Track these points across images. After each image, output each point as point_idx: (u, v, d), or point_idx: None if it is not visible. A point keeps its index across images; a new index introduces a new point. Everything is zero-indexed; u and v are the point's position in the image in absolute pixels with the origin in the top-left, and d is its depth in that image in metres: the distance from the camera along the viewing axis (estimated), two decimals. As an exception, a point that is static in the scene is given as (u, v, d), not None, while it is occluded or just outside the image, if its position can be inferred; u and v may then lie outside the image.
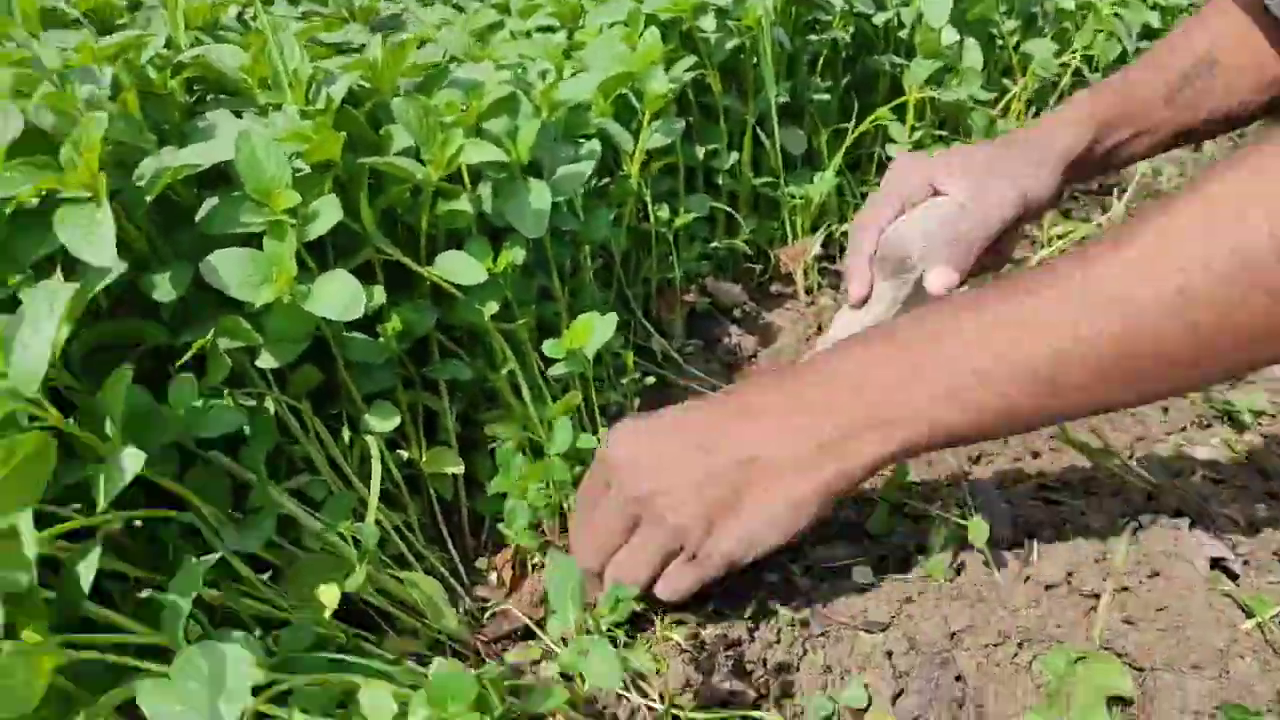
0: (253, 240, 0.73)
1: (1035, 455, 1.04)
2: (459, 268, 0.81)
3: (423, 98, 0.80)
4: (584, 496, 0.82)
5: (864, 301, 1.02)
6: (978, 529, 0.88)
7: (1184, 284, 0.58)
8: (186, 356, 0.68)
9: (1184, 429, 1.11)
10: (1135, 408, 0.92)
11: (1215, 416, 1.14)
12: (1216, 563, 0.89)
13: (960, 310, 0.69)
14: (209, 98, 0.88)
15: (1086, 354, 0.63)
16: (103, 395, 0.62)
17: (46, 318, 0.57)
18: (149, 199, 0.69)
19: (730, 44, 1.31)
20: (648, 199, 1.16)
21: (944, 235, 0.97)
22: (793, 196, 1.47)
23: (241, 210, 0.72)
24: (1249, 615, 0.83)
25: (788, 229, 1.51)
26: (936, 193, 0.99)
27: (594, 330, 0.80)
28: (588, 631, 0.71)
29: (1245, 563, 0.90)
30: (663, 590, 0.78)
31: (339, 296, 0.72)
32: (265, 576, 0.76)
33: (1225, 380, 0.71)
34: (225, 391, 0.73)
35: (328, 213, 0.73)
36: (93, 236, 0.61)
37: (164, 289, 0.69)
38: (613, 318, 0.78)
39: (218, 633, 0.63)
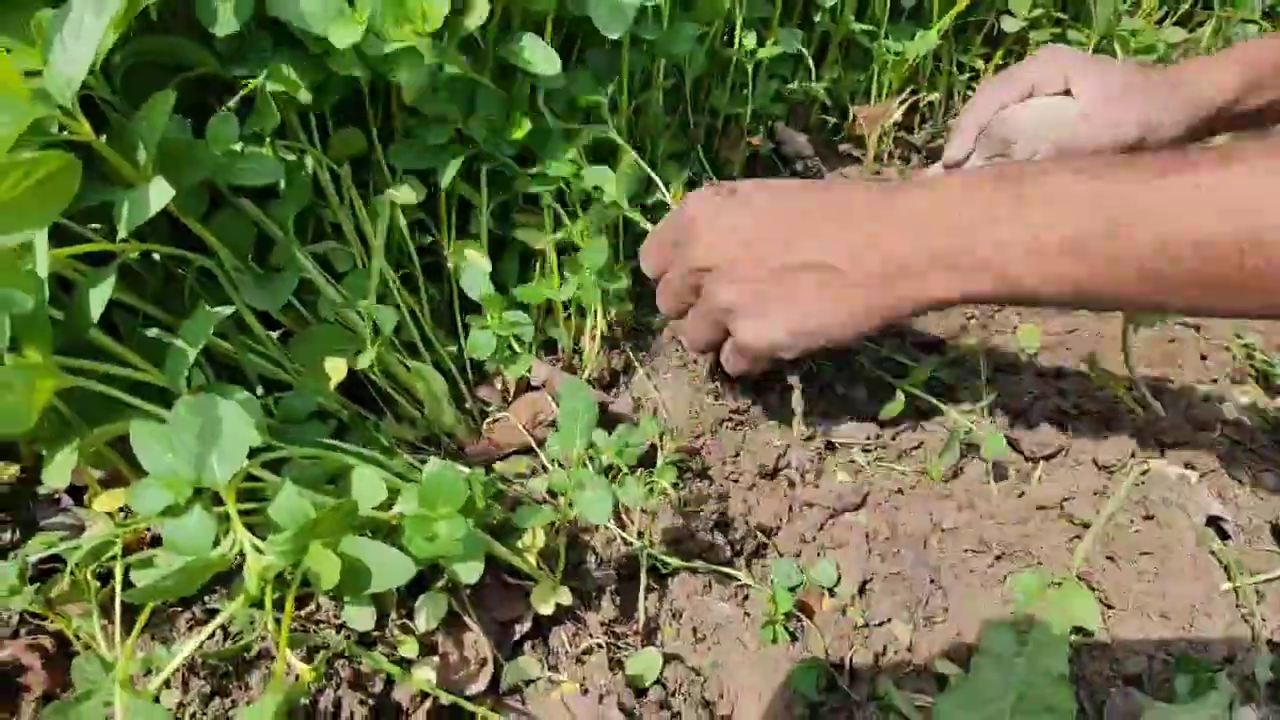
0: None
1: (1060, 376, 1.01)
2: (537, 56, 0.76)
3: None
4: (652, 245, 0.82)
5: (957, 165, 0.98)
6: (995, 443, 0.87)
7: None
8: (238, 97, 0.65)
9: (1216, 381, 1.08)
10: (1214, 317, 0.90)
11: (1252, 375, 1.11)
12: (1213, 520, 0.88)
13: (1075, 174, 0.64)
14: None
15: (1192, 255, 0.58)
16: (141, 118, 0.59)
17: (94, 17, 0.53)
18: None
19: None
20: (738, 21, 1.08)
21: (1053, 135, 0.93)
22: (888, 51, 1.38)
23: None
24: (1229, 578, 0.83)
25: (874, 86, 1.42)
26: (1067, 92, 0.94)
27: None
28: (590, 464, 0.72)
29: (1240, 527, 0.89)
30: (726, 367, 0.84)
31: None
32: (274, 336, 0.75)
33: None
34: (267, 140, 0.70)
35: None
36: None
37: (225, 20, 0.64)
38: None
39: (220, 386, 0.63)
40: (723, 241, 0.74)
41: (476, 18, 0.72)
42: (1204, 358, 1.11)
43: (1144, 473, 0.91)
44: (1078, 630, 0.77)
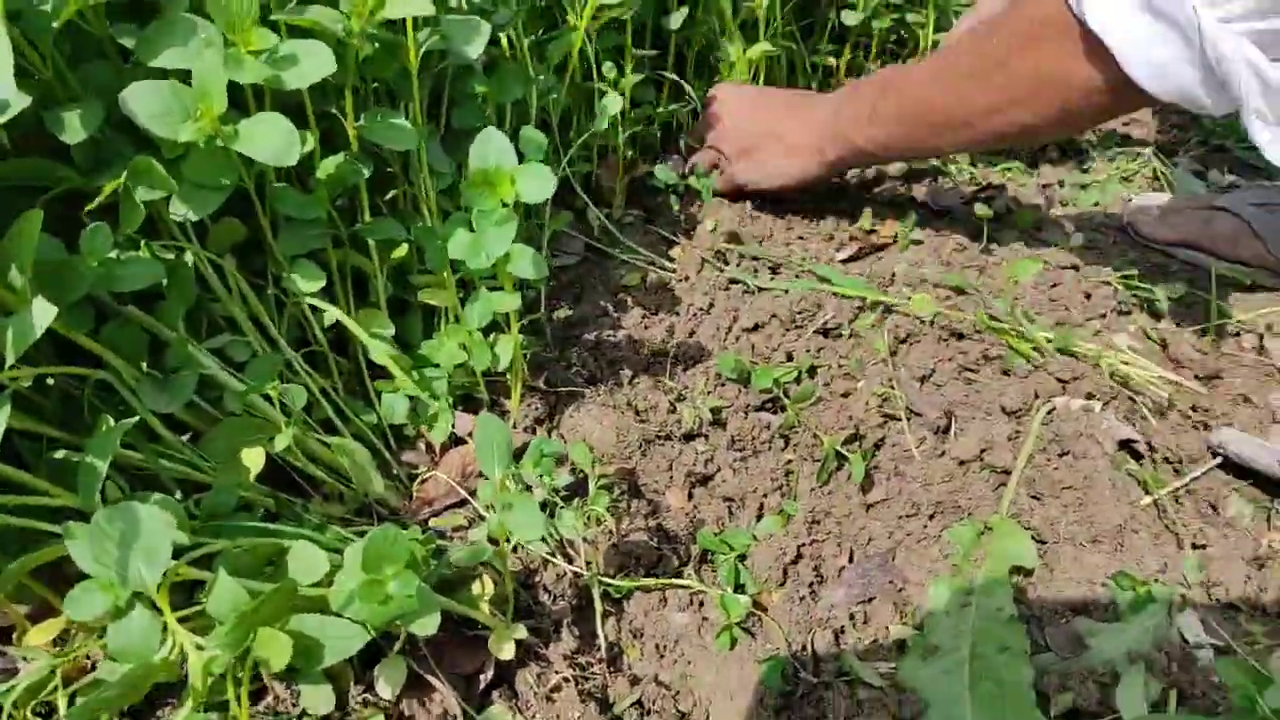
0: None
1: (959, 337, 1.06)
2: (391, 133, 0.77)
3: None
4: (702, 118, 1.36)
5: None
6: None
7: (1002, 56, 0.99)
8: (98, 201, 0.64)
9: (1104, 315, 1.14)
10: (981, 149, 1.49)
11: (1135, 304, 1.18)
12: (1124, 444, 0.93)
13: (880, 80, 1.17)
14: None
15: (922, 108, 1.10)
16: (9, 242, 0.58)
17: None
18: (55, 25, 0.63)
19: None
20: (591, 55, 1.11)
21: None
22: (727, 59, 1.42)
23: (179, 40, 0.66)
24: (1147, 492, 0.88)
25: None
26: None
27: (524, 180, 0.75)
28: (515, 487, 0.72)
29: (1150, 445, 0.94)
30: (725, 190, 1.34)
31: (272, 138, 0.66)
32: (184, 439, 0.74)
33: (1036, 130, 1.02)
34: (142, 242, 0.69)
35: (314, 58, 0.68)
36: None
37: (73, 128, 0.64)
38: (549, 172, 0.74)
39: (137, 495, 0.62)
40: (725, 116, 1.32)
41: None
42: (1088, 295, 1.17)
43: (1050, 412, 0.95)
44: (1018, 570, 0.80)
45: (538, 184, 0.72)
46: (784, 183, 1.28)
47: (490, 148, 0.72)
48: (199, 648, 0.51)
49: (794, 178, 1.27)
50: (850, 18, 1.56)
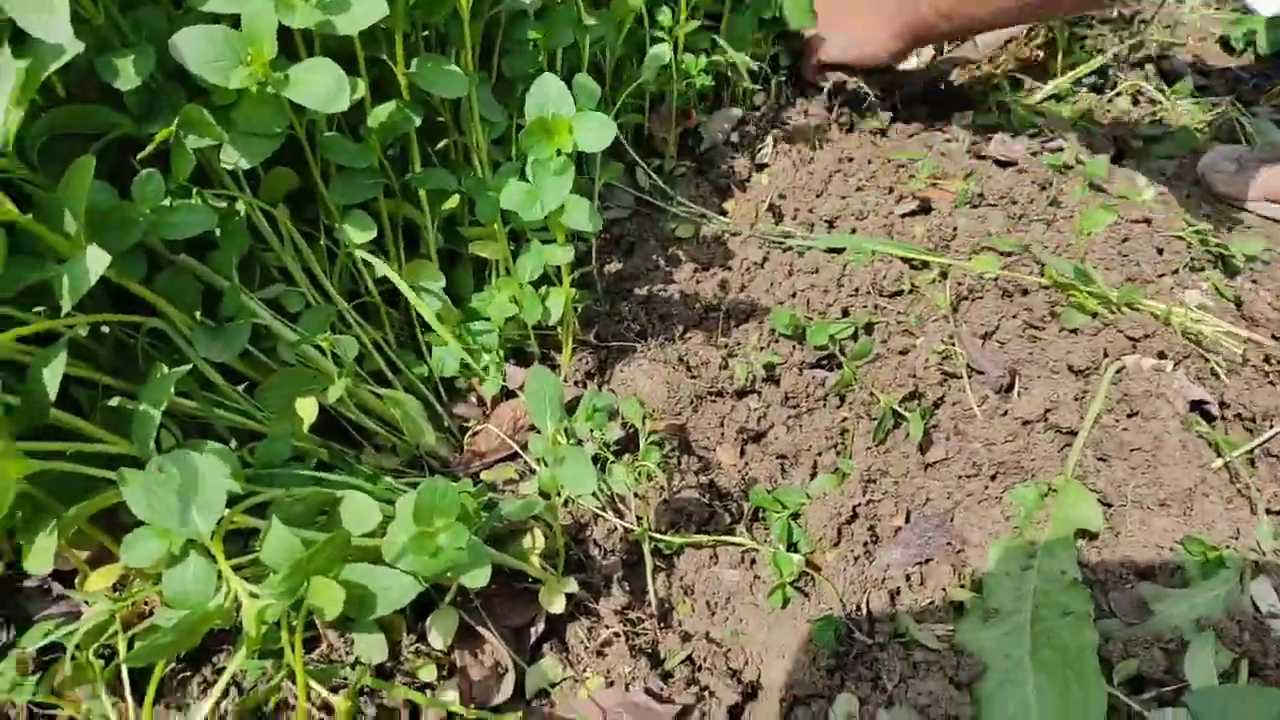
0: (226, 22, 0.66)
1: (1025, 293, 1.02)
2: (442, 80, 0.75)
3: None
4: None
5: None
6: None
7: None
8: (149, 149, 0.64)
9: (1176, 271, 1.09)
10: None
11: (1209, 260, 1.12)
12: (1195, 405, 0.89)
13: None
14: None
15: None
16: (63, 190, 0.58)
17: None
18: None
19: None
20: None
21: None
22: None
23: None
24: (1219, 454, 0.84)
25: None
26: None
27: (582, 129, 0.73)
28: (566, 440, 0.71)
29: (1223, 404, 0.90)
30: (813, 78, 1.42)
31: (322, 85, 0.65)
32: (239, 389, 0.75)
33: None
34: (194, 191, 0.69)
35: (366, 2, 0.66)
36: (44, 9, 0.55)
37: (126, 74, 0.63)
38: (608, 120, 0.72)
39: (191, 443, 0.62)
40: (823, 6, 1.35)
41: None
42: (1159, 251, 1.12)
43: (1119, 370, 0.92)
44: (1082, 533, 0.78)
45: (597, 133, 0.70)
46: (860, 55, 1.36)
47: (548, 94, 0.70)
48: (253, 595, 0.51)
49: (869, 50, 1.34)
50: None
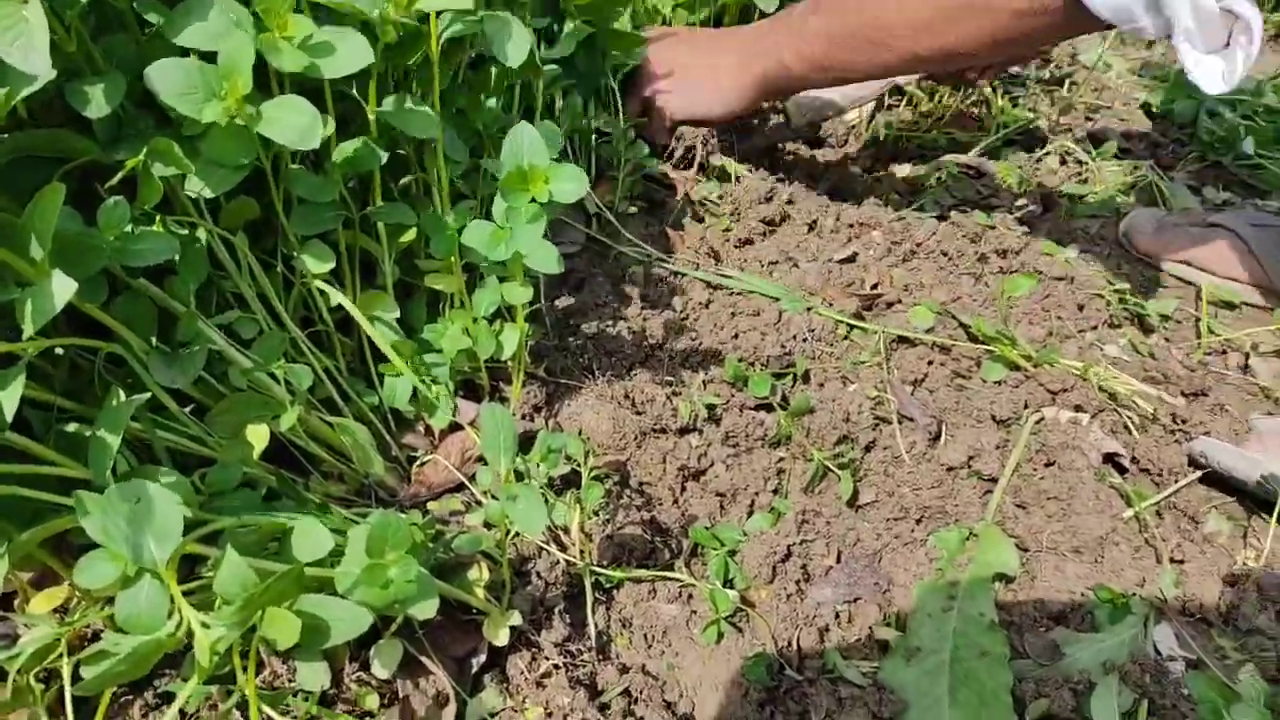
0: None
1: (946, 350, 1.07)
2: (412, 120, 0.77)
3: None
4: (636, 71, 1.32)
5: None
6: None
7: None
8: (119, 177, 0.64)
9: (1095, 327, 1.16)
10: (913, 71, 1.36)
11: (1126, 318, 1.19)
12: (1109, 457, 0.95)
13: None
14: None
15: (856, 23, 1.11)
16: (31, 215, 0.58)
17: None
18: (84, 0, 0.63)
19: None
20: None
21: None
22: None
23: (205, 18, 0.66)
24: (1129, 505, 0.90)
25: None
26: None
27: (558, 180, 0.75)
28: (519, 479, 0.74)
29: (1134, 459, 0.96)
30: (655, 136, 1.35)
31: (296, 122, 0.67)
32: (188, 412, 0.75)
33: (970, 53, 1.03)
34: (157, 218, 0.70)
35: (351, 47, 0.68)
36: (22, 37, 0.56)
37: (97, 102, 0.64)
38: (582, 174, 0.74)
39: (144, 469, 0.63)
40: (659, 58, 1.30)
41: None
42: (1080, 308, 1.18)
43: (1039, 421, 0.97)
44: (1000, 577, 0.82)
45: (572, 185, 0.73)
46: (715, 109, 1.30)
47: (523, 144, 0.73)
48: (205, 625, 0.52)
49: (726, 102, 1.28)
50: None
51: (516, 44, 0.77)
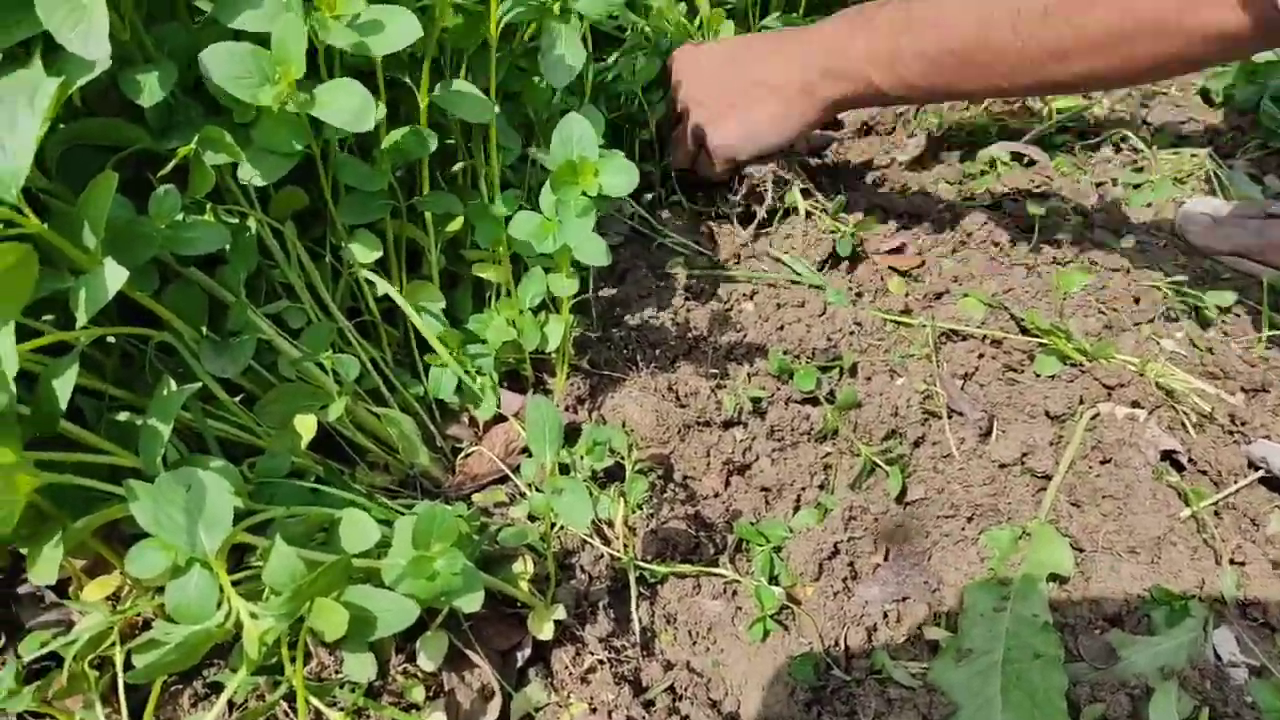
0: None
1: (997, 344, 1.05)
2: (466, 105, 0.77)
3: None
4: (668, 100, 1.18)
5: None
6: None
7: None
8: (171, 166, 0.65)
9: (1152, 320, 1.13)
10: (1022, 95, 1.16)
11: (1183, 311, 1.16)
12: (1166, 455, 0.92)
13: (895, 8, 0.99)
14: None
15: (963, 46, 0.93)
16: (84, 204, 0.59)
17: (27, 114, 0.53)
18: None
19: None
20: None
21: None
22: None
23: (256, 2, 0.65)
24: (1187, 505, 0.87)
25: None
26: None
27: (608, 173, 0.74)
28: (563, 472, 0.73)
29: (1191, 457, 0.93)
30: (701, 170, 1.17)
31: (349, 105, 0.67)
32: (237, 401, 0.76)
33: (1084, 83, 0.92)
34: (208, 207, 0.70)
35: (400, 24, 0.67)
36: (82, 24, 0.56)
37: (150, 90, 0.64)
38: (632, 166, 0.73)
39: (195, 458, 0.63)
40: (696, 77, 1.11)
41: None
42: (1137, 300, 1.15)
43: (1094, 417, 0.95)
44: (1054, 577, 0.80)
45: (622, 178, 0.72)
46: (775, 140, 1.10)
47: (574, 136, 0.72)
48: (253, 616, 0.53)
49: (788, 131, 1.09)
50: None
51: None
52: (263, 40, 0.65)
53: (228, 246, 0.70)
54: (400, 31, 0.66)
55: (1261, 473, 0.91)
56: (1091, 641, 0.76)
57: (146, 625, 0.67)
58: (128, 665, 0.59)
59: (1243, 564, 0.84)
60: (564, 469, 0.82)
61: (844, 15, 1.06)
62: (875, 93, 1.03)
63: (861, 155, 1.50)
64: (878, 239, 1.24)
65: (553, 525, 0.75)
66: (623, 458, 0.84)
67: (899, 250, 1.23)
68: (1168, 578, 0.81)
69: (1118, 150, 1.60)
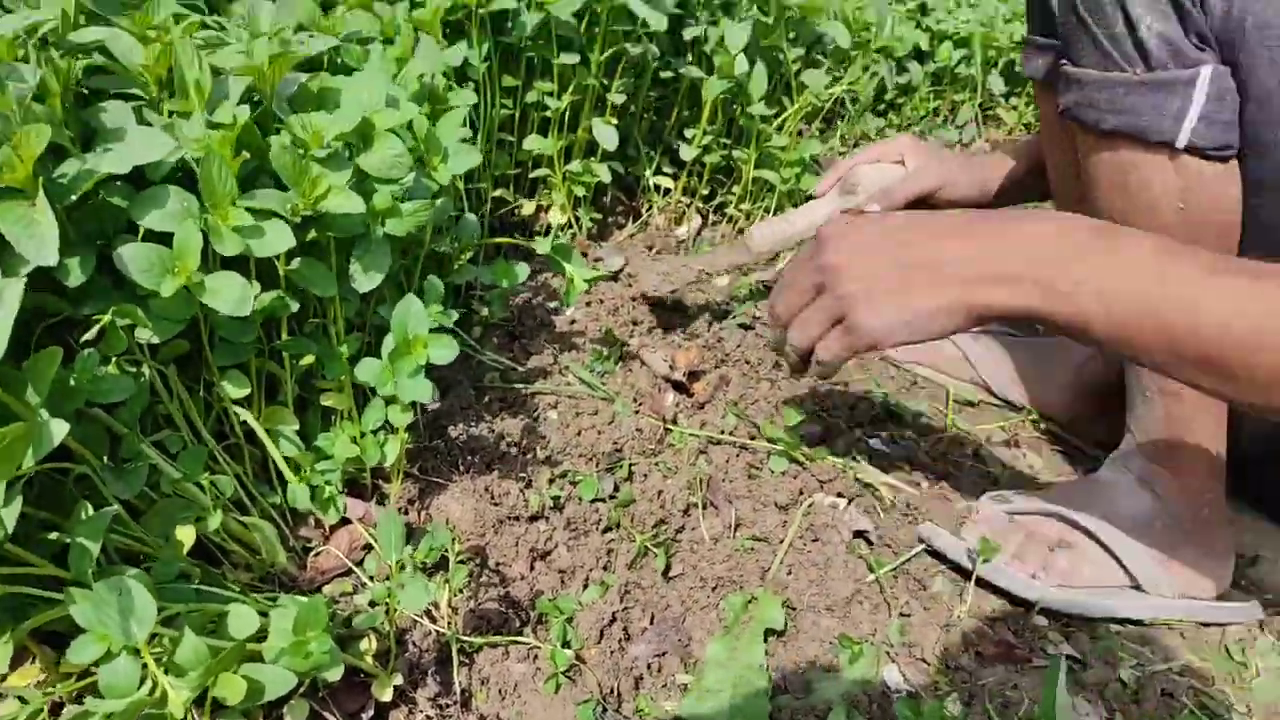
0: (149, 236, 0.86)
1: (744, 448, 1.35)
2: (316, 278, 0.98)
3: (298, 123, 0.94)
4: (792, 266, 1.03)
5: (819, 198, 1.60)
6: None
7: None
8: (93, 333, 0.82)
9: (863, 425, 1.47)
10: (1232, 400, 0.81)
11: (888, 417, 1.51)
12: (859, 533, 1.23)
13: (1154, 250, 0.80)
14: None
15: (1224, 338, 0.75)
16: (30, 368, 0.76)
17: (5, 309, 0.71)
18: (73, 197, 0.81)
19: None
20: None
21: (883, 184, 1.52)
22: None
23: (162, 205, 0.85)
24: (871, 571, 1.18)
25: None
26: (900, 163, 1.56)
27: (435, 347, 0.97)
28: (401, 568, 0.95)
29: (879, 535, 1.25)
30: (820, 353, 0.99)
31: (232, 293, 0.87)
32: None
33: None
34: (114, 360, 0.87)
35: (276, 233, 0.88)
36: (33, 233, 0.74)
37: (74, 273, 0.82)
38: (454, 342, 0.97)
39: (112, 568, 0.80)
40: (852, 247, 0.94)
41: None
42: (852, 407, 1.49)
43: (809, 505, 1.25)
44: (772, 631, 1.08)
45: (445, 351, 0.95)
46: (922, 335, 0.92)
47: (409, 315, 0.95)
48: (172, 688, 0.71)
49: (940, 326, 0.90)
50: (686, 152, 1.86)
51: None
52: (165, 238, 0.85)
53: (127, 391, 0.88)
54: (276, 240, 0.88)
55: (924, 547, 1.24)
56: (796, 678, 1.04)
57: (56, 710, 0.82)
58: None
59: (908, 615, 1.15)
60: (401, 565, 1.03)
61: (1049, 217, 0.88)
62: (1072, 320, 0.83)
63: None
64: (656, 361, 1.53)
65: (390, 609, 0.96)
66: (447, 551, 1.06)
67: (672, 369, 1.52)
68: (852, 628, 1.11)
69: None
